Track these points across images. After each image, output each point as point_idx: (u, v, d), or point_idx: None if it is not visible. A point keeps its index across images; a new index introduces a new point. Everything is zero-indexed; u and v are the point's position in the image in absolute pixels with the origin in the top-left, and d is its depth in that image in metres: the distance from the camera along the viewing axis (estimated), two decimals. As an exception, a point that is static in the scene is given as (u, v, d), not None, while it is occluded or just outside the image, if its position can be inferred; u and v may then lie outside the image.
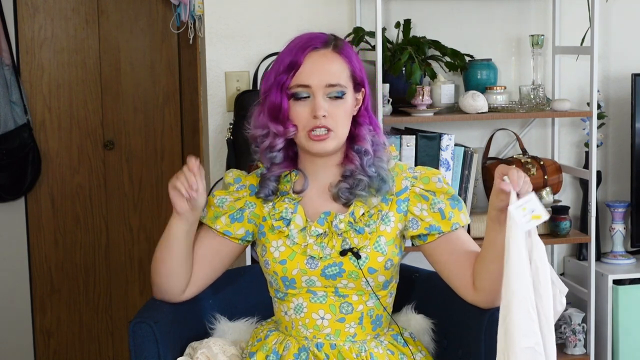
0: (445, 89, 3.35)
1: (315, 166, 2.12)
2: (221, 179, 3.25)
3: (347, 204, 2.10)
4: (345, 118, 2.07)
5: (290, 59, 2.04)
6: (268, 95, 2.07)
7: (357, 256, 2.06)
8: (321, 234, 2.08)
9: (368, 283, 2.08)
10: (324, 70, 2.04)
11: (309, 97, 2.04)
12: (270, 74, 2.08)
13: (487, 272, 2.03)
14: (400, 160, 2.29)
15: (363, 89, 2.13)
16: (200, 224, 2.18)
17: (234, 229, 2.15)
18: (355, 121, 2.12)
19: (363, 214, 2.09)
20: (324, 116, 2.03)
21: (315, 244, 2.07)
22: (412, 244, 2.19)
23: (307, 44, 2.05)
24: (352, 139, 2.12)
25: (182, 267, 2.12)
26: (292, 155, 2.14)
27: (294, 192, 2.13)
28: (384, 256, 2.09)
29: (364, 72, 2.14)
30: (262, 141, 2.10)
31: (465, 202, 3.24)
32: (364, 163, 2.09)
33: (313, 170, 2.13)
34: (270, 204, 2.13)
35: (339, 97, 2.05)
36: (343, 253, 2.06)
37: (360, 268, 2.06)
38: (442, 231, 2.10)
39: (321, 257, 2.07)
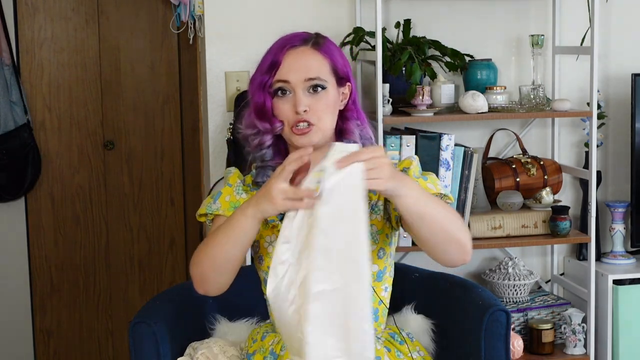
0: (445, 89, 3.35)
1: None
2: (222, 178, 3.25)
3: None
4: (327, 111, 2.10)
5: (270, 59, 2.09)
6: (253, 96, 2.11)
7: None
8: None
9: None
10: (302, 66, 2.08)
11: (290, 93, 2.08)
12: (255, 76, 2.13)
13: (424, 238, 1.98)
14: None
15: (349, 83, 2.15)
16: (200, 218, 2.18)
17: None
18: (343, 116, 2.16)
19: None
20: (305, 111, 2.06)
21: None
22: (400, 226, 2.17)
23: (285, 43, 2.10)
24: (341, 132, 2.15)
25: (240, 265, 2.08)
26: (284, 150, 2.16)
27: None
28: (376, 245, 2.11)
29: (349, 67, 2.16)
30: (253, 140, 2.14)
31: (465, 202, 3.24)
32: None
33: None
34: None
35: (321, 87, 2.08)
36: None
37: None
38: None
39: None
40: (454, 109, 3.36)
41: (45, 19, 4.18)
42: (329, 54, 2.11)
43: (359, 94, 2.23)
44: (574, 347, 3.36)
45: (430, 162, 3.17)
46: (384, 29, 3.35)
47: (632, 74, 3.46)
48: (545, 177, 3.43)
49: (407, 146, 3.21)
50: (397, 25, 3.41)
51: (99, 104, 4.27)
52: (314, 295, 1.78)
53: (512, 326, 3.37)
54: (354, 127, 2.15)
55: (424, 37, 3.40)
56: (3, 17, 4.02)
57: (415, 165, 2.18)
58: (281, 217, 2.10)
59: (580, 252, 3.58)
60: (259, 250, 2.14)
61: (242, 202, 2.12)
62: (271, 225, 2.12)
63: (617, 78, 3.64)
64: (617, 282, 3.37)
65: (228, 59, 3.42)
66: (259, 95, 2.09)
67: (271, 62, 2.08)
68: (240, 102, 3.26)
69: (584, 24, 3.44)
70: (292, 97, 2.07)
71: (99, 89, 4.27)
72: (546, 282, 3.68)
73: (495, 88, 3.35)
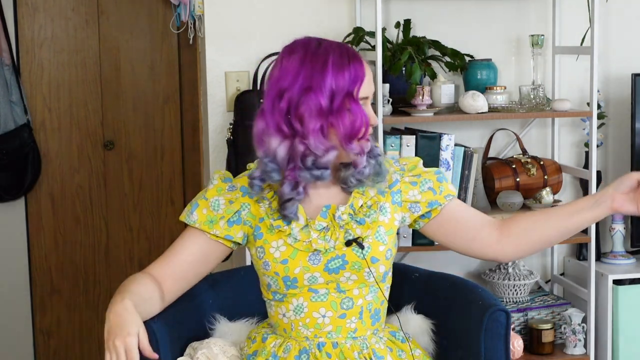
0: (445, 89, 3.35)
1: None
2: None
3: (347, 189, 2.13)
4: None
5: (355, 70, 2.03)
6: (344, 110, 2.02)
7: (361, 246, 2.08)
8: (324, 227, 2.09)
9: (371, 273, 2.09)
10: (371, 81, 2.10)
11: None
12: (325, 84, 2.00)
13: (540, 231, 2.18)
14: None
15: None
16: (186, 225, 2.18)
17: (234, 232, 2.14)
18: None
19: (362, 205, 2.13)
20: None
21: (319, 238, 2.09)
22: (417, 228, 2.22)
23: (357, 55, 2.06)
24: None
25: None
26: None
27: None
28: (385, 245, 2.12)
29: None
30: (311, 155, 2.02)
31: (465, 202, 3.24)
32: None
33: None
34: (267, 203, 2.13)
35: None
36: (348, 243, 2.09)
37: (364, 258, 2.08)
38: (440, 204, 2.19)
39: (326, 250, 2.08)
40: (454, 109, 3.36)
41: (45, 19, 4.18)
42: None
43: None
44: (574, 347, 3.36)
45: (430, 162, 3.17)
46: (384, 29, 3.35)
47: (632, 74, 3.46)
48: (545, 177, 3.43)
49: (407, 146, 3.21)
50: (397, 25, 3.41)
51: (99, 104, 4.27)
52: None
53: (512, 326, 3.36)
54: None
55: (424, 37, 3.40)
56: (3, 17, 4.02)
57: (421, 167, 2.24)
58: (287, 222, 2.10)
59: (580, 252, 3.58)
60: (264, 256, 2.11)
61: (218, 218, 2.12)
62: (277, 231, 2.11)
63: (617, 78, 3.64)
64: (617, 282, 3.37)
65: (228, 59, 3.42)
66: (357, 110, 2.01)
67: (356, 74, 2.02)
68: (240, 102, 3.25)
69: (584, 24, 3.44)
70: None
71: (99, 89, 4.27)
72: (546, 282, 3.68)
73: (495, 88, 3.35)
